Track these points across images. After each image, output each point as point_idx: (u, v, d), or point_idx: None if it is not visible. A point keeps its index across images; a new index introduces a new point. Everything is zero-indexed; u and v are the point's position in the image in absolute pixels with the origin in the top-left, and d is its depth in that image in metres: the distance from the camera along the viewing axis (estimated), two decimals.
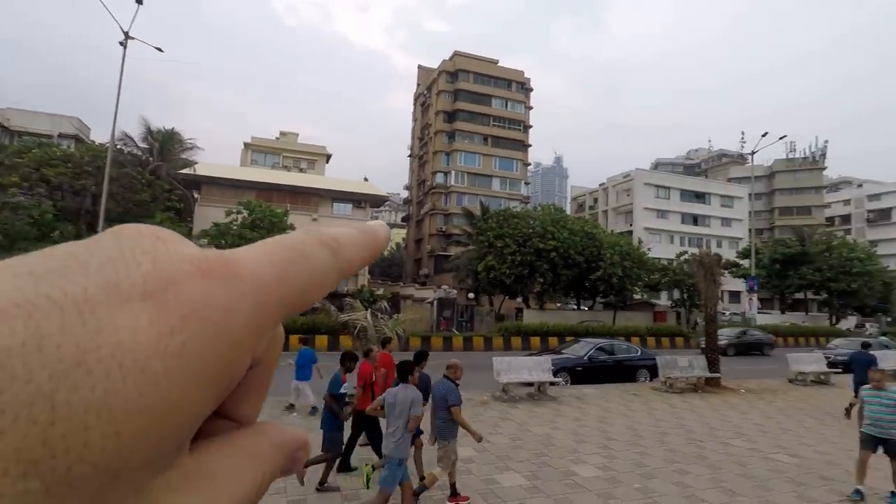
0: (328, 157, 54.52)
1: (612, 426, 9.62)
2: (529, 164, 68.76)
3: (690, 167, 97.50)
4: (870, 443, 6.37)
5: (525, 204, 59.17)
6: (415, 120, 73.61)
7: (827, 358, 18.45)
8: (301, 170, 50.20)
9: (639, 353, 16.69)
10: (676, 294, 42.71)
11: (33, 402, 0.14)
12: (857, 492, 6.26)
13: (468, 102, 61.73)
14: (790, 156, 74.13)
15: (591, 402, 12.04)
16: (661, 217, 60.53)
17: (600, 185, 68.26)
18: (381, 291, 36.47)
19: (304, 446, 0.24)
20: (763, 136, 34.95)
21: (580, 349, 16.20)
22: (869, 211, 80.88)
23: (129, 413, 0.16)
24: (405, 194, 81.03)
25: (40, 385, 0.15)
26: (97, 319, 0.16)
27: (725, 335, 25.16)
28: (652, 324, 36.63)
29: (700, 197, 63.24)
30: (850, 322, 48.46)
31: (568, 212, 58.38)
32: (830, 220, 77.76)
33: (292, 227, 27.10)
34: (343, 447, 6.44)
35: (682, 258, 39.24)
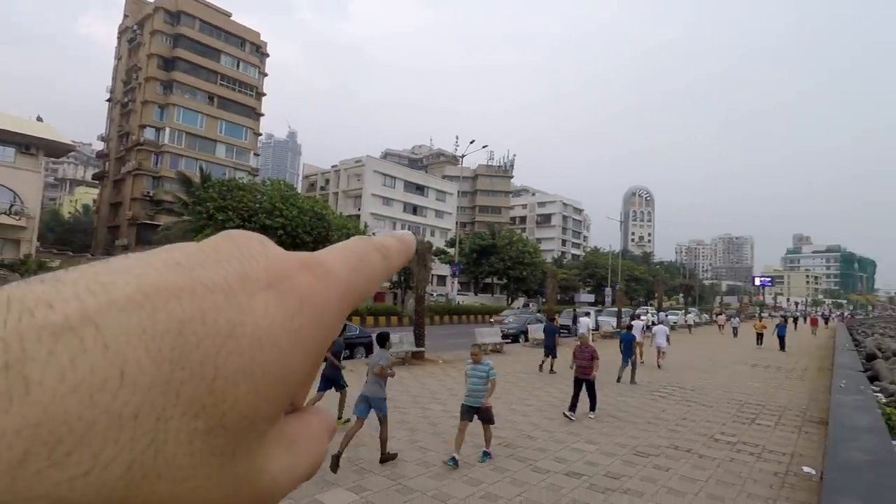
0: None
1: (327, 404, 9.88)
2: (261, 135, 64.80)
3: (414, 161, 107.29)
4: (467, 413, 6.85)
5: (253, 176, 55.65)
6: (119, 58, 60.81)
7: (502, 331, 22.90)
8: None
9: (357, 332, 17.55)
10: (395, 276, 46.60)
11: (203, 363, 0.19)
12: (453, 459, 6.65)
13: (192, 52, 54.34)
14: (490, 163, 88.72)
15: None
16: (387, 204, 64.94)
17: (333, 166, 69.01)
18: (56, 264, 29.27)
19: (335, 430, 0.30)
20: (471, 143, 41.01)
21: None
22: (538, 215, 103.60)
23: (265, 375, 0.21)
24: (100, 146, 66.45)
25: (206, 350, 0.19)
26: (239, 302, 0.21)
27: None
28: (372, 303, 39.13)
29: (420, 189, 70.19)
30: (520, 302, 61.30)
31: (299, 190, 57.17)
32: (513, 220, 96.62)
33: None
34: None
35: None
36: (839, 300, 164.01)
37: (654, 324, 20.99)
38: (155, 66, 52.71)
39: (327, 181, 68.15)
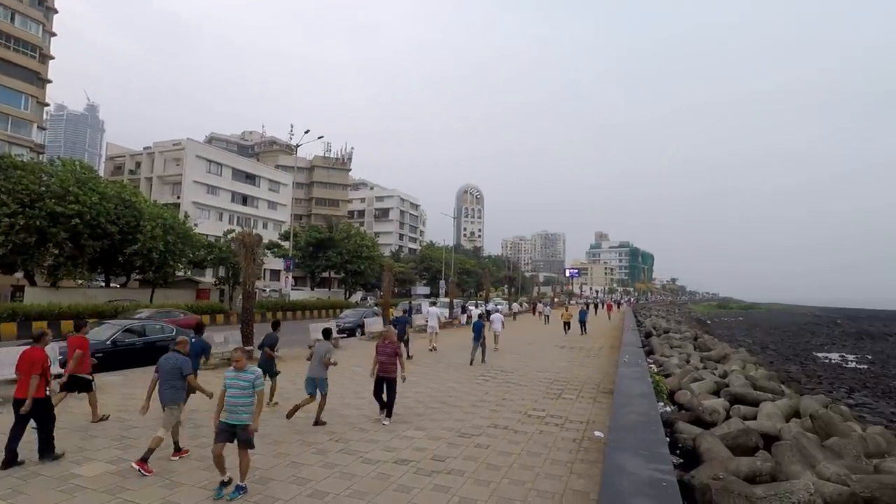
0: None
1: (133, 415, 8.76)
2: (49, 105, 54.18)
3: (244, 148, 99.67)
4: (225, 433, 5.53)
5: (38, 154, 46.50)
6: None
7: (338, 325, 22.60)
8: None
9: (174, 333, 15.81)
10: (222, 271, 42.86)
11: None
12: (222, 483, 5.60)
13: None
14: (327, 154, 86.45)
15: (112, 390, 10.60)
16: (212, 193, 59.39)
17: (146, 148, 60.97)
18: None
19: None
20: (306, 132, 39.43)
21: (102, 333, 14.04)
22: (376, 209, 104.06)
23: None
24: None
25: None
26: None
27: None
28: (194, 301, 35.54)
29: (251, 178, 65.55)
30: (358, 296, 61.00)
31: (101, 173, 49.66)
32: (351, 213, 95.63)
33: None
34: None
35: (228, 236, 39.63)
36: (628, 288, 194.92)
37: (489, 312, 23.02)
38: None
39: (138, 164, 59.78)
